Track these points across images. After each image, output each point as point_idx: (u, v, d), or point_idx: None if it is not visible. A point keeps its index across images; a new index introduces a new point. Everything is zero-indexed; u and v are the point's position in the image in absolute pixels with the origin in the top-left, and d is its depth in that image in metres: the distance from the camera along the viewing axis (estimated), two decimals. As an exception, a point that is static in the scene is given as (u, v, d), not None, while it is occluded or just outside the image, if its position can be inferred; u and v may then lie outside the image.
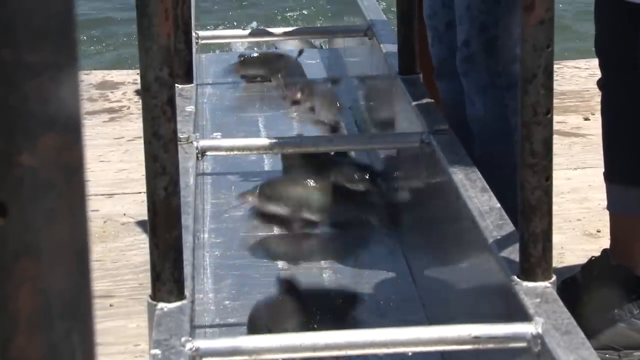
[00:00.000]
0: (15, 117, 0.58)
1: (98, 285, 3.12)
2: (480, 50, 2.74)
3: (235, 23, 7.31)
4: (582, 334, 1.79)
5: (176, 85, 2.42)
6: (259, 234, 3.13)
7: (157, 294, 1.88)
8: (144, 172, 1.90)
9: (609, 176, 2.91)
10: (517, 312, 1.89)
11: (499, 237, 2.12)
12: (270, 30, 4.16)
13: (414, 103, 2.88)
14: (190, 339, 1.79)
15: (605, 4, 2.80)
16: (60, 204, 0.59)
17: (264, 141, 2.98)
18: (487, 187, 2.35)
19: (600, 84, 2.90)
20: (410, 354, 2.23)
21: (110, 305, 3.03)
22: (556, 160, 1.97)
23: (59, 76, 0.59)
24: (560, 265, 3.05)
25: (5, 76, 0.58)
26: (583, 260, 2.99)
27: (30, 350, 0.60)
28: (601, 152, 2.96)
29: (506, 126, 2.74)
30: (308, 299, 2.58)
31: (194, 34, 3.52)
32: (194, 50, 3.40)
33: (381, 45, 3.38)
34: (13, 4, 0.57)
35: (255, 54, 4.35)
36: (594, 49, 2.92)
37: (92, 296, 0.62)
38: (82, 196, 0.60)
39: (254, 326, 2.52)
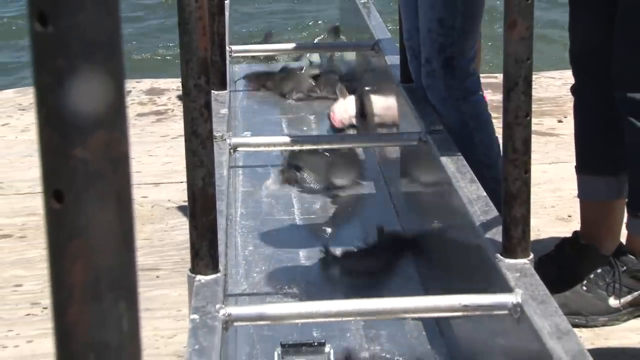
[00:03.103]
0: (69, 117, 0.57)
1: (146, 259, 3.12)
2: (439, 67, 2.75)
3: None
4: (555, 303, 1.77)
5: (212, 91, 2.41)
6: (282, 217, 3.12)
7: (196, 268, 1.88)
8: (185, 165, 1.89)
9: (580, 168, 2.90)
10: (500, 285, 1.88)
11: (484, 221, 2.11)
12: (293, 45, 4.15)
13: (413, 107, 2.87)
14: (223, 306, 1.78)
15: (580, 18, 2.79)
16: (108, 191, 0.58)
17: (286, 139, 2.98)
18: (475, 178, 2.34)
19: (574, 89, 2.89)
20: (410, 319, 2.22)
21: (157, 277, 3.02)
22: (533, 156, 1.95)
23: (108, 81, 0.58)
24: (536, 245, 3.03)
25: (61, 82, 0.57)
26: (556, 240, 2.98)
27: (83, 317, 0.59)
28: (572, 149, 2.94)
29: (466, 130, 2.75)
30: None
31: (227, 48, 3.51)
32: (227, 61, 3.39)
33: (386, 58, 3.37)
34: (68, 20, 0.56)
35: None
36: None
37: (136, 270, 0.61)
38: (127, 184, 0.59)
39: None
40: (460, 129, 2.72)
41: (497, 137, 2.82)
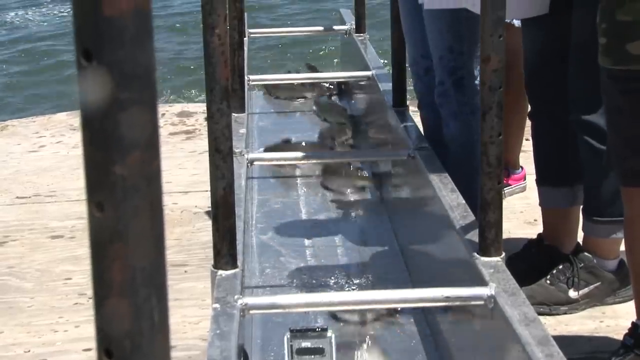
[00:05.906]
0: (110, 139, 0.57)
1: (176, 257, 3.11)
2: (450, 87, 2.75)
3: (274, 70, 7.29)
4: (523, 295, 1.77)
5: (232, 114, 2.40)
6: (291, 221, 3.11)
7: (218, 264, 1.87)
8: (209, 176, 1.88)
9: (539, 181, 2.90)
10: (476, 279, 1.87)
11: (463, 225, 2.10)
12: (303, 75, 4.15)
13: (403, 127, 2.87)
14: (241, 296, 1.78)
15: (530, 55, 2.79)
16: (143, 202, 0.58)
17: (296, 154, 2.97)
18: (456, 188, 2.33)
19: (530, 114, 2.90)
20: (399, 309, 2.21)
21: (185, 272, 3.02)
22: (505, 169, 1.95)
23: (143, 109, 0.58)
24: (507, 245, 3.02)
25: (103, 108, 0.56)
26: (524, 241, 2.97)
27: (121, 309, 0.58)
28: (538, 164, 2.94)
29: (471, 140, 2.75)
30: None
31: (246, 77, 3.51)
32: (246, 89, 3.39)
33: (380, 86, 3.36)
34: (109, 56, 0.56)
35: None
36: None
37: (166, 270, 0.60)
38: (159, 197, 0.59)
39: None
40: (466, 140, 2.73)
41: None
